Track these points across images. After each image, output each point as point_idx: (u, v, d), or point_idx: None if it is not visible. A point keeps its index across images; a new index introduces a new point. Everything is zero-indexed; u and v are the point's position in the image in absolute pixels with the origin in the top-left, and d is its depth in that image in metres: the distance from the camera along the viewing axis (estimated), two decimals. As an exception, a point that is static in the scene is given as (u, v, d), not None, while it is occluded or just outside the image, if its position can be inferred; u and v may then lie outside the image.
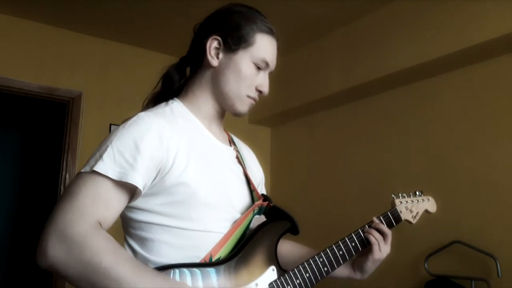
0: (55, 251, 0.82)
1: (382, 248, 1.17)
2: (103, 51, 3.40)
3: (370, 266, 1.19)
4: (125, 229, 1.03)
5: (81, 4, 2.91)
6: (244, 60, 1.07)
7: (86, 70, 3.31)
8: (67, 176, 3.14)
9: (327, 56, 3.30)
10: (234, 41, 1.06)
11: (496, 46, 2.38)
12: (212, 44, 1.08)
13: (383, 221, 1.22)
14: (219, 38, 1.07)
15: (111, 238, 0.87)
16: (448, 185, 2.58)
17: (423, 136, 2.81)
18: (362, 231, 1.18)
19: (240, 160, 1.17)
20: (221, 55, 1.08)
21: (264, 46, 1.09)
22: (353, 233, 1.18)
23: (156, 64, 3.37)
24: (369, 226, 1.20)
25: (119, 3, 2.89)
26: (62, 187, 3.14)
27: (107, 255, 0.84)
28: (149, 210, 0.97)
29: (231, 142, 1.20)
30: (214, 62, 1.08)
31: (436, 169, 2.69)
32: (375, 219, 1.21)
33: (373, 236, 1.16)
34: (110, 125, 3.31)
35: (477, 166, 2.51)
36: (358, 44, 3.05)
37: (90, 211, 0.87)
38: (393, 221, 1.24)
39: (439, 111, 2.74)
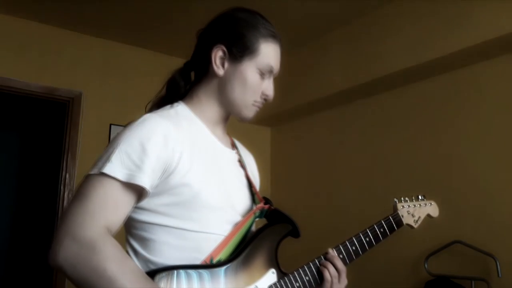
0: (66, 253, 0.85)
1: (334, 286, 1.09)
2: (103, 51, 3.40)
3: None
4: (127, 229, 1.04)
5: (81, 4, 2.90)
6: (250, 69, 1.08)
7: (86, 70, 3.31)
8: (67, 176, 3.14)
9: (327, 56, 3.30)
10: (239, 51, 1.07)
11: (496, 46, 2.38)
12: (217, 54, 1.08)
13: (384, 225, 1.22)
14: (224, 48, 1.08)
15: (119, 246, 0.89)
16: (448, 185, 2.58)
17: (423, 136, 2.81)
18: (318, 262, 1.11)
19: (242, 163, 1.18)
20: (226, 65, 1.09)
21: (268, 53, 1.09)
22: (311, 262, 1.11)
23: (156, 64, 3.45)
24: (325, 258, 1.11)
25: (120, 3, 2.88)
26: (62, 187, 3.14)
27: (113, 263, 0.86)
28: (151, 210, 0.98)
29: (234, 146, 1.21)
30: (220, 71, 1.09)
31: (436, 169, 2.69)
32: (330, 251, 1.12)
33: (329, 271, 1.09)
34: (110, 125, 3.31)
35: (477, 165, 2.51)
36: (358, 44, 3.05)
37: (99, 214, 0.89)
38: (394, 226, 1.24)
39: (439, 111, 2.74)
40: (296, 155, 3.81)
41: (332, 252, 1.12)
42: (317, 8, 2.92)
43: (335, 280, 1.09)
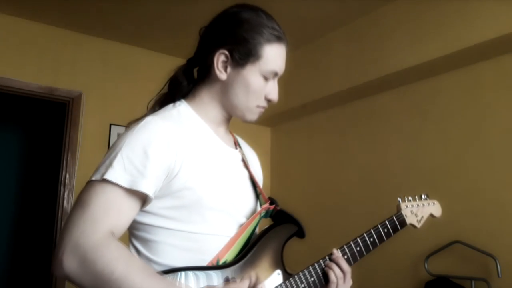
0: (70, 263, 0.83)
1: (340, 287, 1.08)
2: (103, 51, 3.40)
3: None
4: (130, 231, 1.03)
5: (81, 4, 2.90)
6: (253, 74, 1.06)
7: (86, 70, 3.30)
8: (67, 176, 3.14)
9: (328, 56, 3.30)
10: (242, 56, 1.04)
11: (496, 46, 2.39)
12: (220, 58, 1.06)
13: (388, 225, 1.22)
14: (227, 52, 1.05)
15: (123, 247, 0.88)
16: (448, 185, 2.59)
17: (423, 136, 2.82)
18: (323, 263, 1.10)
19: (245, 163, 1.17)
20: (229, 69, 1.06)
21: (272, 57, 1.06)
22: (316, 263, 1.10)
23: (156, 64, 3.45)
24: (330, 259, 1.11)
25: (119, 3, 2.88)
26: (62, 187, 3.14)
27: (119, 265, 0.84)
28: (154, 213, 0.98)
29: (237, 145, 1.21)
30: (223, 76, 1.07)
31: (436, 169, 2.69)
32: (335, 251, 1.12)
33: (334, 273, 1.08)
34: (110, 125, 3.30)
35: (477, 165, 2.51)
36: (358, 44, 3.05)
37: (102, 220, 0.87)
38: (398, 226, 1.24)
39: (439, 111, 2.75)
40: (296, 155, 3.82)
41: (337, 253, 1.12)
42: (317, 8, 2.92)
43: (340, 281, 1.08)
